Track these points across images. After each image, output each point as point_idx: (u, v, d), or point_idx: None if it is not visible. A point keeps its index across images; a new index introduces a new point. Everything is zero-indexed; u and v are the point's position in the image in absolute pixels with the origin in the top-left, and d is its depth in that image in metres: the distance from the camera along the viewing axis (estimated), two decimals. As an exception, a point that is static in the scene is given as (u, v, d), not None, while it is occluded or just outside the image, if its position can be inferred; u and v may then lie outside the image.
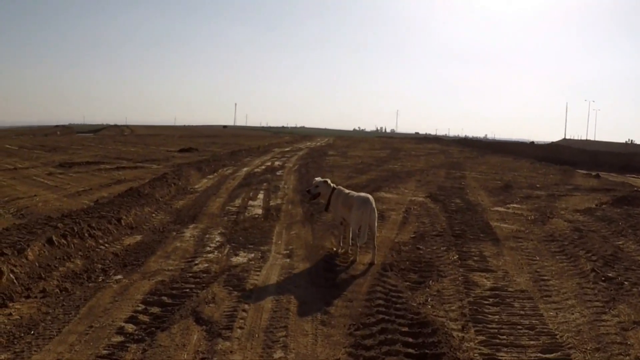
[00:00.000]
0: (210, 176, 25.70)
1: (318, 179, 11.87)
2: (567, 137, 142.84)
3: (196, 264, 10.39)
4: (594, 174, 31.69)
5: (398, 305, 8.21)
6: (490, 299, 8.82)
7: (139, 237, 12.66)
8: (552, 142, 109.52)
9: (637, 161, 53.34)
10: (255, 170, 29.15)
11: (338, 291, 8.83)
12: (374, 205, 10.51)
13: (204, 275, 9.66)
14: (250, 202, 17.95)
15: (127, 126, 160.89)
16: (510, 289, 9.36)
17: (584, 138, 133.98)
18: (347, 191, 11.24)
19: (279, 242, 12.45)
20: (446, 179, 25.86)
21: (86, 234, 11.77)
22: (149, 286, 9.00)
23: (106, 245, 11.77)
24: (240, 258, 10.91)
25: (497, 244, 12.65)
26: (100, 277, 9.63)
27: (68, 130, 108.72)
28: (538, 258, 11.51)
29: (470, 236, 13.25)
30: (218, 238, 12.67)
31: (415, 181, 24.46)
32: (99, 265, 10.31)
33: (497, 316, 8.12)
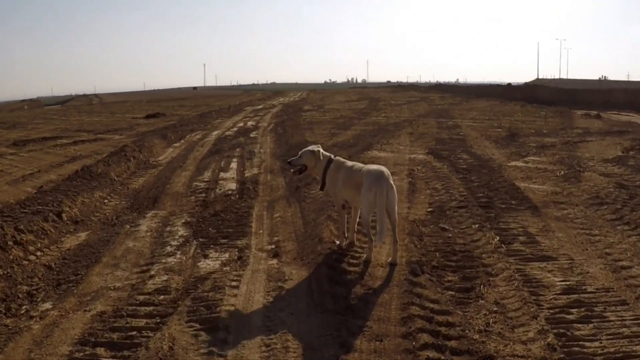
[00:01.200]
0: (177, 144, 22.73)
1: (311, 147, 8.44)
2: (540, 77, 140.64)
3: (151, 277, 7.44)
4: (593, 113, 29.01)
5: (454, 343, 5.35)
6: (573, 311, 6.05)
7: (83, 236, 9.72)
8: (526, 83, 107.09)
9: (616, 97, 51.02)
10: (227, 133, 26.13)
11: (356, 320, 5.89)
12: (391, 181, 7.30)
13: (161, 298, 6.70)
14: (222, 175, 15.03)
15: (96, 95, 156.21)
16: (589, 289, 6.58)
17: (556, 77, 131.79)
18: (350, 163, 8.04)
19: (260, 231, 9.56)
20: (440, 130, 23.01)
21: (10, 243, 8.71)
22: (82, 326, 6.05)
23: (38, 253, 8.79)
24: (211, 262, 7.99)
25: (537, 213, 9.91)
26: (24, 307, 6.72)
27: (36, 104, 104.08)
28: (597, 231, 8.80)
29: (500, 205, 10.46)
30: (182, 231, 9.72)
31: (408, 134, 21.56)
32: (25, 287, 7.35)
33: (596, 342, 5.37)
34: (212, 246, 8.74)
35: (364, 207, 7.32)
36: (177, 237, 9.38)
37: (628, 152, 15.82)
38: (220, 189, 13.14)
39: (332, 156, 8.22)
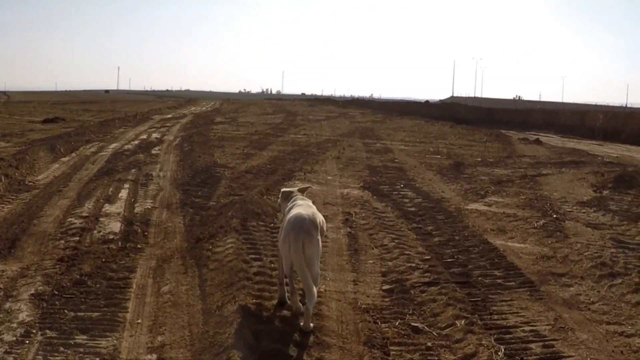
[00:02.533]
0: (65, 159, 18.80)
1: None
2: (455, 94, 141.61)
3: None
4: (532, 138, 26.90)
5: None
6: None
7: None
8: (442, 101, 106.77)
9: (533, 117, 50.24)
10: (126, 147, 22.30)
11: None
12: (313, 230, 5.76)
13: None
14: (107, 208, 11.53)
15: (4, 92, 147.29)
16: None
17: (471, 95, 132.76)
18: (296, 201, 6.49)
19: (139, 320, 6.22)
20: (370, 154, 20.05)
21: None
22: None
23: None
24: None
25: (537, 294, 7.04)
26: None
27: None
28: (630, 327, 6.09)
29: (483, 279, 7.44)
30: (25, 312, 6.26)
31: (334, 159, 18.50)
32: None
33: None
34: (61, 350, 5.31)
35: (282, 262, 6.05)
36: (13, 326, 5.88)
37: (601, 191, 13.32)
38: (99, 231, 9.74)
39: (298, 194, 6.76)
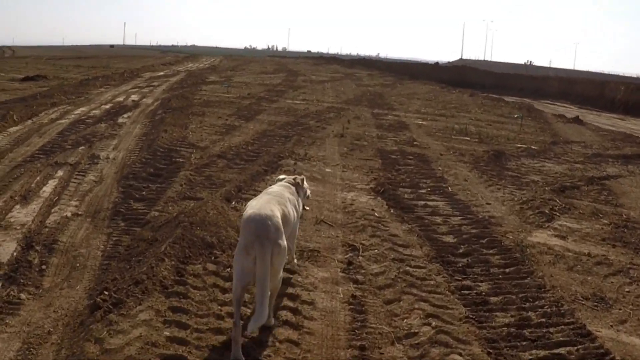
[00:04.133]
0: (15, 128, 15.03)
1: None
2: (464, 57, 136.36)
3: None
4: (570, 116, 22.47)
5: None
6: None
7: None
8: (452, 63, 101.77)
9: (549, 85, 45.48)
10: (93, 112, 18.48)
11: None
12: (280, 236, 4.65)
13: None
14: (14, 213, 8.18)
15: (10, 47, 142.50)
16: None
17: (481, 59, 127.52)
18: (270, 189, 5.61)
19: None
20: (382, 132, 15.97)
21: None
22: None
23: None
24: None
25: None
26: None
27: None
28: None
29: None
30: None
31: (336, 138, 14.50)
32: None
33: None
34: None
35: (234, 274, 4.71)
36: None
37: None
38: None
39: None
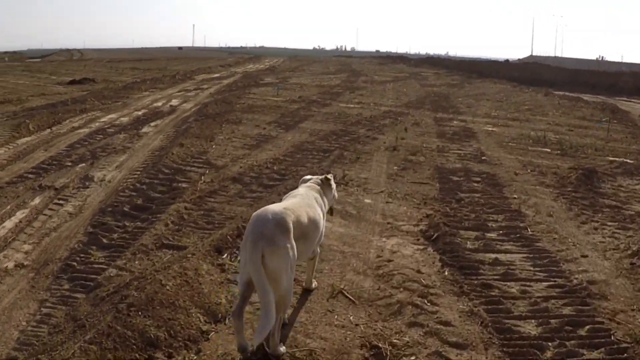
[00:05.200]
0: (27, 139, 13.34)
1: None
2: (534, 54, 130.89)
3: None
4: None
5: None
6: None
7: None
8: (522, 60, 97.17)
9: (624, 81, 41.15)
10: (121, 119, 16.79)
11: None
12: (279, 235, 4.10)
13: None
14: None
15: (79, 50, 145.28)
16: None
17: (551, 55, 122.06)
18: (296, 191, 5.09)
19: None
20: (444, 142, 13.27)
21: None
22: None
23: None
24: None
25: None
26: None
27: (17, 57, 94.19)
28: None
29: None
30: None
31: (387, 152, 11.96)
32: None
33: None
34: None
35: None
36: None
37: None
38: None
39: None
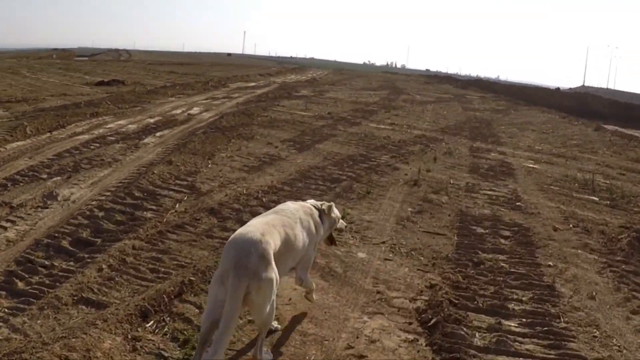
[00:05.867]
0: (17, 144, 12.23)
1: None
2: (586, 84, 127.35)
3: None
4: None
5: None
6: None
7: None
8: (571, 89, 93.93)
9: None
10: (129, 126, 15.53)
11: None
12: (263, 266, 3.91)
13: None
14: None
15: (127, 51, 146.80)
16: None
17: (603, 86, 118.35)
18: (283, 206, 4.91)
19: None
20: (475, 179, 11.47)
21: None
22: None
23: None
24: None
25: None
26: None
27: (67, 54, 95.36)
28: None
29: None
30: None
31: (406, 187, 10.22)
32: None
33: None
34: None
35: (207, 304, 4.08)
36: None
37: None
38: None
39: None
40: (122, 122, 15.99)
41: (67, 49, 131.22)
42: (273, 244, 4.04)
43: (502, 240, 7.51)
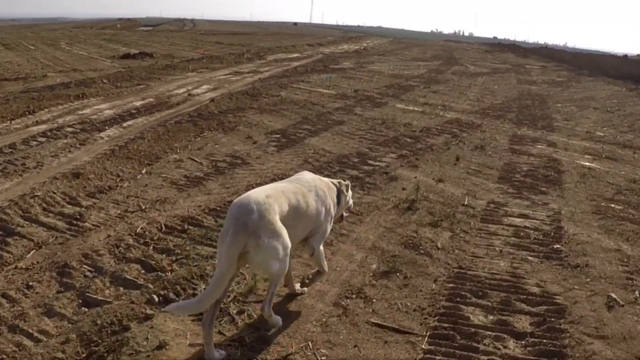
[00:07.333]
0: None
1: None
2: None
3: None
4: None
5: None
6: None
7: None
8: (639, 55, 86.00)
9: None
10: (107, 112, 12.95)
11: None
12: (263, 228, 3.61)
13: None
14: None
15: (191, 20, 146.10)
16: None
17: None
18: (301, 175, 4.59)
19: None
20: (505, 194, 7.97)
21: None
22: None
23: None
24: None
25: None
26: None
27: (131, 24, 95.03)
28: None
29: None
30: None
31: (390, 215, 6.88)
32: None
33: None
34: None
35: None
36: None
37: None
38: None
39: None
40: (103, 105, 13.34)
41: (133, 18, 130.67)
42: (278, 207, 3.74)
43: (513, 343, 4.15)
